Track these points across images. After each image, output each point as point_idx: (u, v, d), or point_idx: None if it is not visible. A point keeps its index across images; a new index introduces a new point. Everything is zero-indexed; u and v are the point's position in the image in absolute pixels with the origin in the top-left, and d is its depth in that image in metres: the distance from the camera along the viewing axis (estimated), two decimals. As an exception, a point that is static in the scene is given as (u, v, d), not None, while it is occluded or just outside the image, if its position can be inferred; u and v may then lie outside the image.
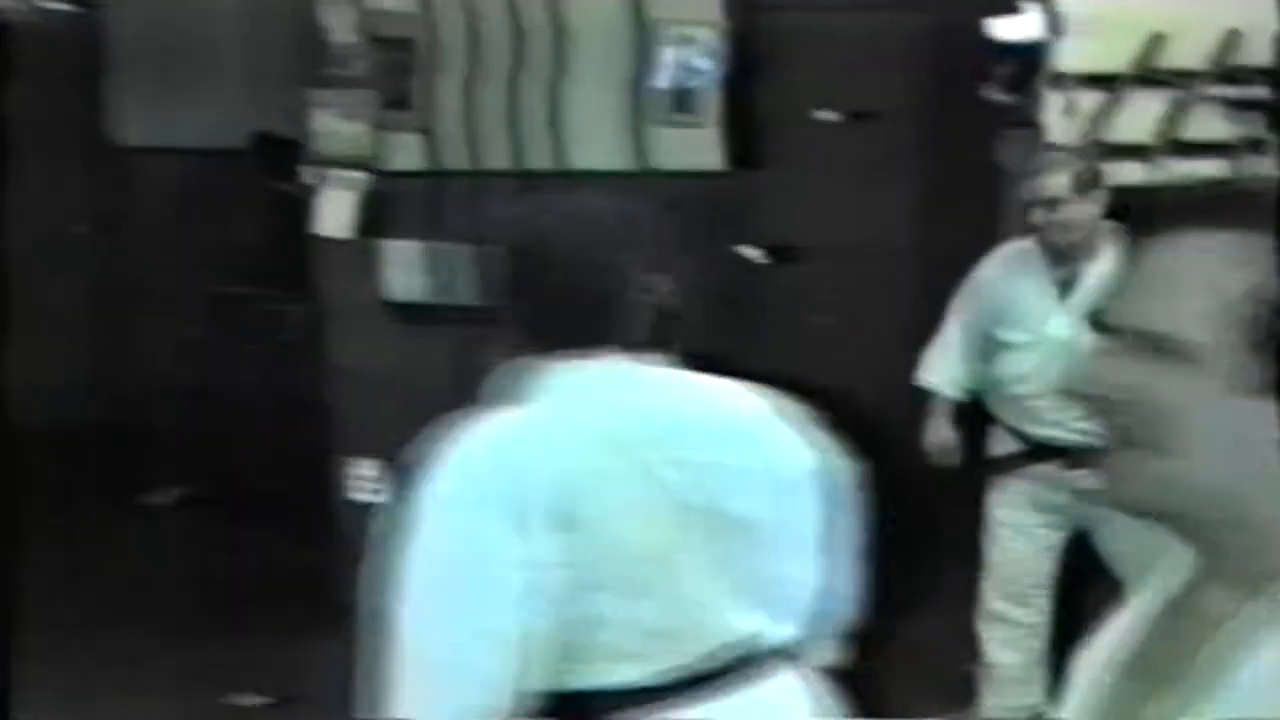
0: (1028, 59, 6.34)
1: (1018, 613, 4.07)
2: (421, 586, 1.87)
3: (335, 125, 4.93)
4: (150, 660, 4.68)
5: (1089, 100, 5.93)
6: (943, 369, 4.23)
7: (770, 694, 1.94)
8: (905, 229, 7.08)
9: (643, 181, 6.95)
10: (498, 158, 6.72)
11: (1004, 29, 6.43)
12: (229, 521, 6.20)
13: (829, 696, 2.01)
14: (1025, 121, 6.79)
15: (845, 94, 6.99)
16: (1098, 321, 4.30)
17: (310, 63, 5.30)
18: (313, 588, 5.25)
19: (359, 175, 4.93)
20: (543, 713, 1.91)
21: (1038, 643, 4.07)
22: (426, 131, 6.54)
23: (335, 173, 4.91)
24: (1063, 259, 4.06)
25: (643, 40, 6.77)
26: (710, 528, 1.94)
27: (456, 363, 6.66)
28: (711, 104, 6.91)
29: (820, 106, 6.97)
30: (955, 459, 4.21)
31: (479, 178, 6.76)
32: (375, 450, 5.39)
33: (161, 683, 4.56)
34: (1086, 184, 4.04)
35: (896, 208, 7.10)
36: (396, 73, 5.61)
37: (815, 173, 6.91)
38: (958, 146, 6.90)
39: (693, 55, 6.83)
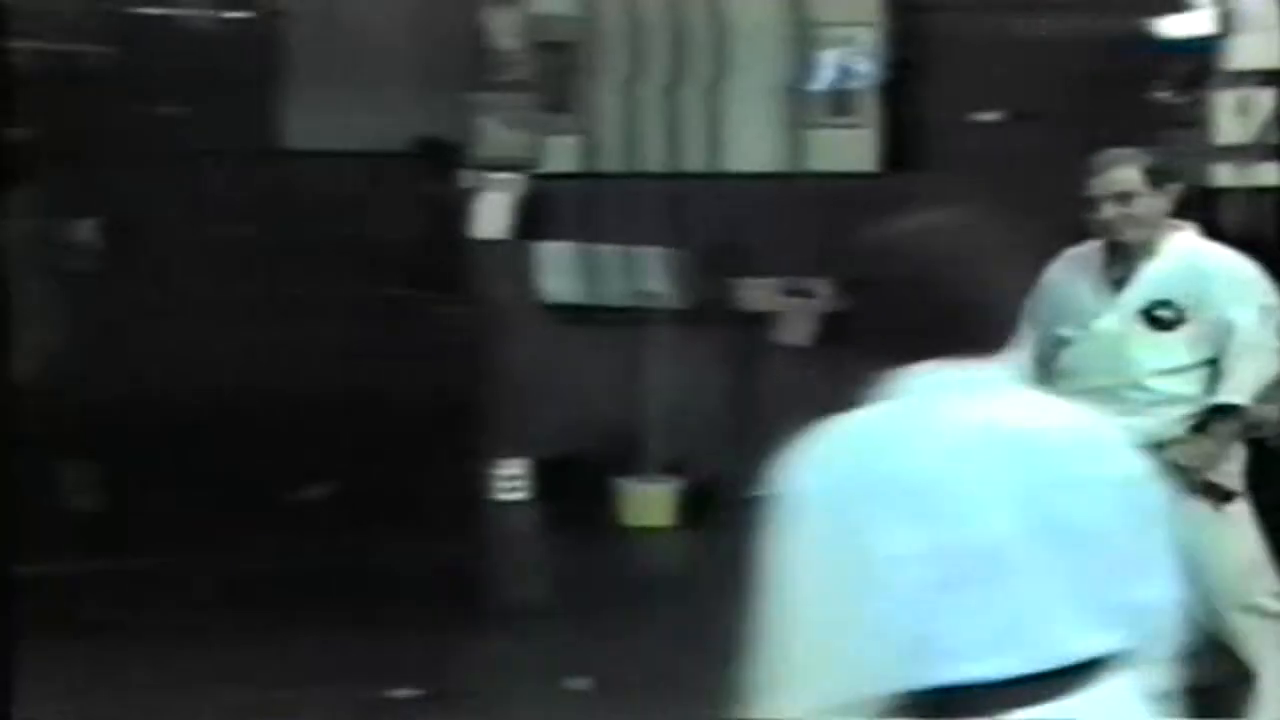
0: (1198, 57, 6.19)
1: None
2: (793, 580, 1.96)
3: (497, 129, 4.98)
4: (305, 653, 4.77)
5: (1265, 98, 5.78)
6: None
7: (1109, 698, 1.98)
8: (1067, 231, 6.93)
9: (797, 183, 6.97)
10: (654, 160, 6.78)
11: (1173, 27, 6.29)
12: (379, 518, 6.29)
13: (1163, 705, 2.04)
14: (1189, 121, 6.66)
15: (1005, 95, 6.89)
16: (1153, 317, 4.09)
17: (473, 68, 5.36)
18: (461, 585, 5.33)
19: (518, 178, 4.97)
20: (894, 710, 1.97)
21: None
22: (585, 134, 6.61)
23: (495, 176, 4.95)
24: (1122, 256, 3.90)
25: (801, 42, 6.78)
26: (1054, 532, 1.99)
27: (610, 364, 6.74)
28: (869, 105, 6.89)
29: (980, 108, 6.88)
30: None
31: (636, 180, 6.82)
32: (524, 450, 5.45)
33: (317, 675, 4.64)
34: (1160, 179, 3.90)
35: (1057, 210, 6.95)
36: (557, 77, 5.66)
37: (973, 174, 6.80)
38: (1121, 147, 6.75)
39: (851, 57, 6.81)
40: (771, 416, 6.90)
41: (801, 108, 6.78)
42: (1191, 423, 3.80)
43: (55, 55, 5.30)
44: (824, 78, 6.78)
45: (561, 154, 6.19)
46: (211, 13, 5.78)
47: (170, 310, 6.89)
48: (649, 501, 6.42)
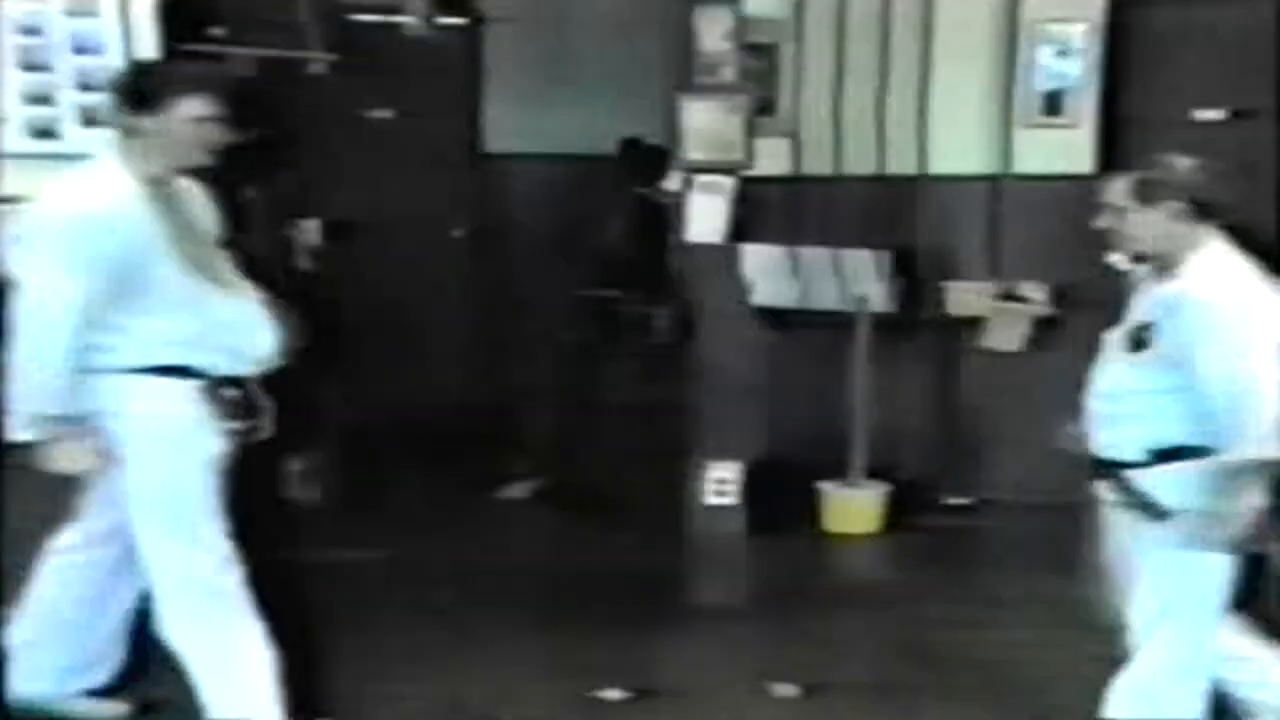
0: None
1: None
2: None
3: (706, 131, 4.98)
4: (513, 651, 4.83)
5: None
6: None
7: None
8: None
9: (1009, 184, 6.84)
10: (862, 162, 6.71)
11: None
12: (587, 517, 6.36)
13: None
14: None
15: (1226, 91, 6.66)
16: (1133, 337, 3.80)
17: (681, 70, 5.37)
18: (666, 586, 5.35)
19: (728, 180, 4.96)
20: None
21: None
22: (792, 136, 6.57)
23: (704, 178, 4.95)
24: (1161, 269, 3.68)
25: (1014, 40, 6.64)
26: None
27: (817, 369, 6.68)
28: (1083, 105, 6.73)
29: (1199, 105, 6.66)
30: None
31: (843, 182, 6.77)
32: (733, 454, 5.44)
33: (524, 673, 4.69)
34: (1150, 195, 3.63)
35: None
36: (763, 78, 5.64)
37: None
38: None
39: (1065, 56, 6.65)
40: (980, 423, 6.83)
41: (1014, 107, 6.66)
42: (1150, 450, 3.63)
43: (279, 61, 5.44)
44: (1037, 77, 6.64)
45: (770, 157, 6.17)
46: (423, 19, 5.89)
47: (385, 309, 7.06)
48: (853, 507, 6.37)
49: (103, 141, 3.92)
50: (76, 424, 3.80)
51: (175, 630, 3.89)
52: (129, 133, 3.82)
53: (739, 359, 5.64)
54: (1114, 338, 3.82)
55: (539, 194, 7.92)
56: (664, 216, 7.14)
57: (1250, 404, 3.53)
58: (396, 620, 4.99)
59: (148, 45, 4.86)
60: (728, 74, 4.93)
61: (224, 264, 3.99)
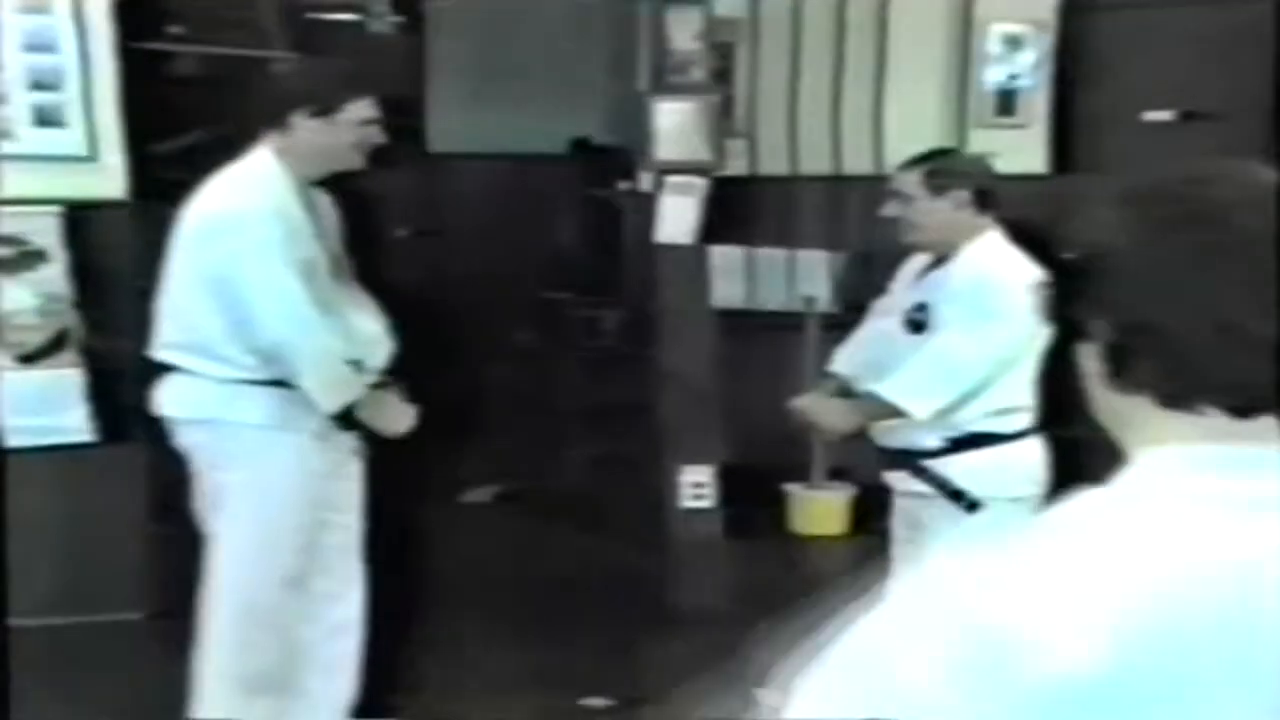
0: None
1: None
2: None
3: (676, 131, 4.94)
4: (493, 661, 4.76)
5: None
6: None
7: None
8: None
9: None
10: (818, 161, 6.70)
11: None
12: (555, 522, 6.29)
13: None
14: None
15: (1177, 94, 6.73)
16: (910, 320, 3.90)
17: (651, 69, 5.32)
18: (647, 590, 5.29)
19: (699, 181, 4.93)
20: None
21: None
22: (748, 137, 6.55)
23: (675, 179, 4.91)
24: (940, 257, 3.78)
25: (967, 40, 6.66)
26: None
27: (775, 370, 6.65)
28: (1036, 106, 6.76)
29: (1151, 107, 6.72)
30: None
31: (797, 183, 6.75)
32: (705, 457, 5.40)
33: (505, 683, 4.62)
34: (940, 184, 3.72)
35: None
36: (724, 78, 5.60)
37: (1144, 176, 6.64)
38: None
39: (1019, 56, 6.68)
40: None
41: (968, 108, 6.68)
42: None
43: (237, 59, 5.32)
44: (991, 77, 6.67)
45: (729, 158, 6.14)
46: (384, 16, 5.80)
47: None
48: (820, 508, 6.35)
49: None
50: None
51: None
52: (288, 132, 3.68)
53: (703, 361, 5.59)
54: (883, 320, 3.86)
55: (484, 194, 7.81)
56: (617, 217, 7.09)
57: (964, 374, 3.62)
58: (369, 629, 4.90)
59: (102, 43, 4.73)
60: (697, 74, 4.89)
61: (348, 274, 3.90)
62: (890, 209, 3.80)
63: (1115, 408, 1.37)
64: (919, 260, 3.91)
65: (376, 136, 3.77)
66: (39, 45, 4.73)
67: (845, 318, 6.66)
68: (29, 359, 4.74)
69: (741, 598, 5.17)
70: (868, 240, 6.90)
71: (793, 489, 6.36)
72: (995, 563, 1.31)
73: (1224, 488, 1.28)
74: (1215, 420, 1.30)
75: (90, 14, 4.68)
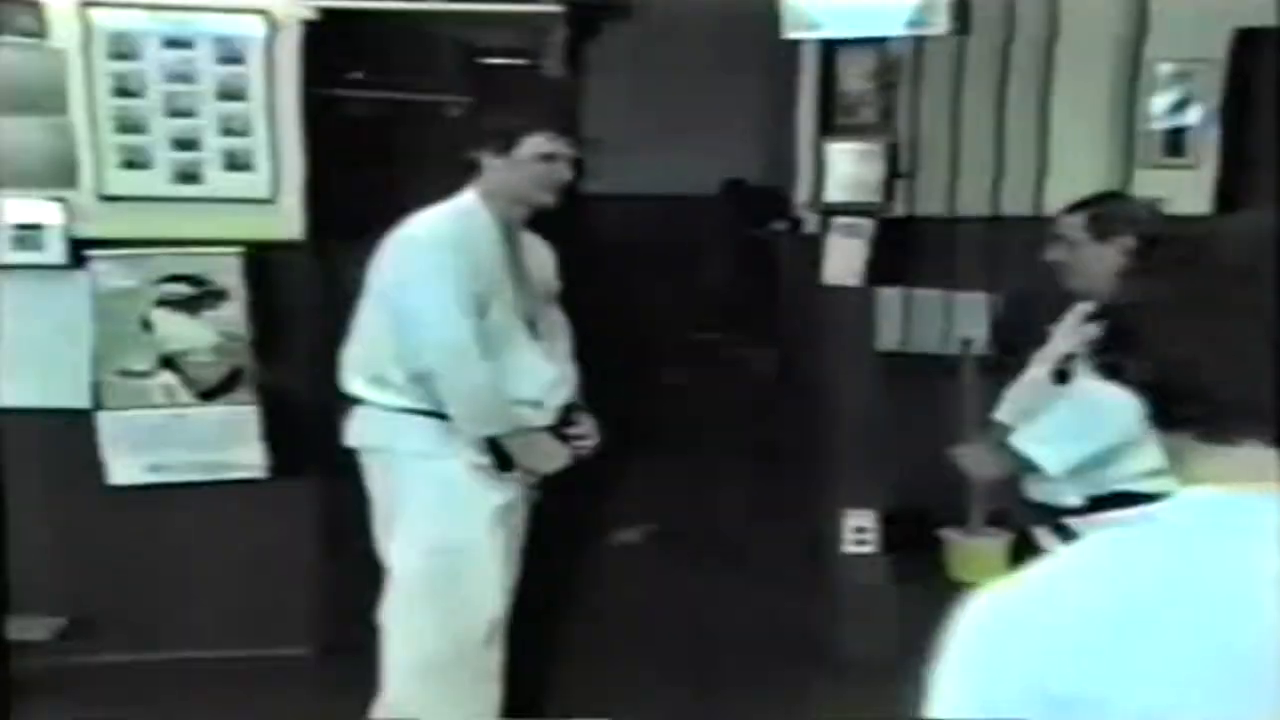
0: None
1: None
2: None
3: (846, 172, 4.91)
4: (658, 709, 4.73)
5: None
6: (1007, 405, 3.93)
7: None
8: None
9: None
10: (978, 203, 6.61)
11: None
12: (706, 564, 6.26)
13: None
14: None
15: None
16: (1059, 372, 3.72)
17: (821, 111, 5.29)
18: (811, 639, 5.23)
19: (867, 222, 4.89)
20: None
21: None
22: (910, 178, 6.49)
23: (843, 220, 4.88)
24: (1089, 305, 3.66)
25: (1134, 79, 6.55)
26: None
27: (939, 414, 6.57)
28: (1206, 144, 6.63)
29: (1324, 147, 6.55)
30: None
31: (958, 224, 6.68)
32: (867, 501, 5.33)
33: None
34: (1105, 229, 3.54)
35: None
36: (886, 119, 5.54)
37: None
38: None
39: (1188, 94, 6.55)
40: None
41: (1134, 147, 6.56)
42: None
43: (415, 104, 5.41)
44: (1159, 116, 6.54)
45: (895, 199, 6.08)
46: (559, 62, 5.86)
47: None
48: (978, 555, 6.24)
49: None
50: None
51: None
52: (482, 173, 3.77)
53: (866, 403, 5.52)
54: (1038, 368, 3.72)
55: (638, 234, 7.85)
56: (772, 257, 7.08)
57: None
58: (521, 673, 4.90)
59: (289, 90, 4.82)
60: (868, 114, 4.85)
61: (555, 320, 3.95)
62: (1053, 253, 3.71)
63: (1165, 448, 1.50)
64: (1083, 308, 3.81)
65: (563, 173, 3.81)
66: (231, 94, 4.85)
67: (1003, 360, 6.64)
68: (207, 395, 4.83)
69: (905, 645, 5.10)
70: (1026, 283, 6.85)
71: (950, 535, 6.26)
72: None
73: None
74: (1255, 453, 1.35)
75: (280, 62, 4.78)
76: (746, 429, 6.66)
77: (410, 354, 3.66)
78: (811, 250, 6.61)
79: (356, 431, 3.87)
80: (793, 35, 4.77)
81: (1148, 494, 3.53)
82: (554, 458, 3.89)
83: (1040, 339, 6.81)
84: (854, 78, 4.81)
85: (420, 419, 3.72)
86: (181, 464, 4.81)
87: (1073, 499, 3.59)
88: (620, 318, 7.03)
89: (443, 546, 3.79)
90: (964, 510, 6.40)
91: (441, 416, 3.71)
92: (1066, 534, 3.60)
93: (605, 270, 7.57)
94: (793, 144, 7.02)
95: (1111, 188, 6.68)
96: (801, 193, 7.01)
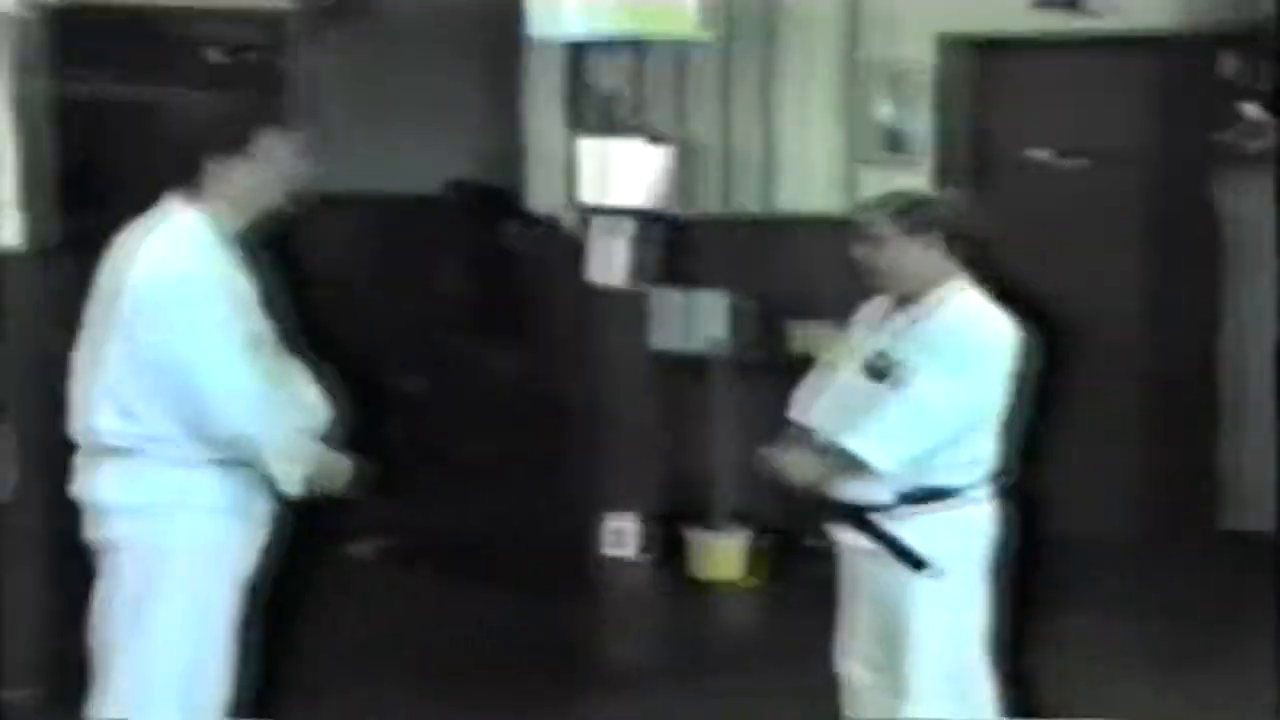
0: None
1: None
2: None
3: (594, 170, 4.81)
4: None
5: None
6: (803, 405, 3.97)
7: None
8: (1122, 274, 6.88)
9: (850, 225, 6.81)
10: (710, 201, 6.62)
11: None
12: (444, 577, 6.12)
13: None
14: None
15: (1053, 132, 6.85)
16: (871, 366, 3.66)
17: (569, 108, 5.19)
18: (564, 647, 5.15)
19: (628, 222, 4.81)
20: None
21: None
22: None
23: (603, 220, 4.79)
24: (902, 304, 3.69)
25: (855, 79, 6.67)
26: None
27: (676, 414, 6.54)
28: (923, 143, 6.80)
29: (1031, 144, 6.84)
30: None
31: (694, 222, 6.67)
32: (626, 504, 5.28)
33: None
34: (913, 226, 3.61)
35: (1114, 251, 6.90)
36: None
37: (1032, 213, 6.73)
38: (1180, 187, 6.75)
39: (905, 94, 6.71)
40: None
41: (856, 145, 6.70)
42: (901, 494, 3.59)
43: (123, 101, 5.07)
44: (878, 115, 6.70)
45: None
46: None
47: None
48: (720, 554, 6.28)
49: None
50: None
51: None
52: (204, 179, 3.42)
53: (620, 406, 5.47)
54: (843, 366, 3.75)
55: (358, 236, 7.59)
56: (512, 259, 6.96)
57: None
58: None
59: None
60: (624, 113, 4.77)
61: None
62: (859, 251, 3.69)
63: None
64: (878, 305, 3.81)
65: (293, 173, 3.52)
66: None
67: (749, 358, 6.67)
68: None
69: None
70: (763, 282, 6.91)
71: (694, 534, 6.28)
72: None
73: None
74: None
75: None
76: (492, 435, 6.51)
77: (206, 422, 3.31)
78: (555, 250, 6.54)
79: (116, 487, 3.45)
80: (537, 34, 4.64)
81: (955, 489, 3.59)
82: (343, 473, 3.63)
83: (775, 336, 6.92)
84: (609, 75, 4.72)
85: (213, 473, 3.39)
86: None
87: (883, 496, 3.60)
88: (353, 324, 6.79)
89: (217, 597, 3.48)
90: (704, 508, 6.43)
91: (233, 465, 3.39)
92: (875, 532, 3.61)
93: (332, 273, 7.31)
94: (521, 142, 6.94)
95: (836, 186, 6.87)
96: (535, 193, 6.94)
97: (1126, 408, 6.70)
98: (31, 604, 4.73)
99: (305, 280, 7.33)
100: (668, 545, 6.08)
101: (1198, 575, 6.14)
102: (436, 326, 6.87)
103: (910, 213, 3.66)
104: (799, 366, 6.49)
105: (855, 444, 3.53)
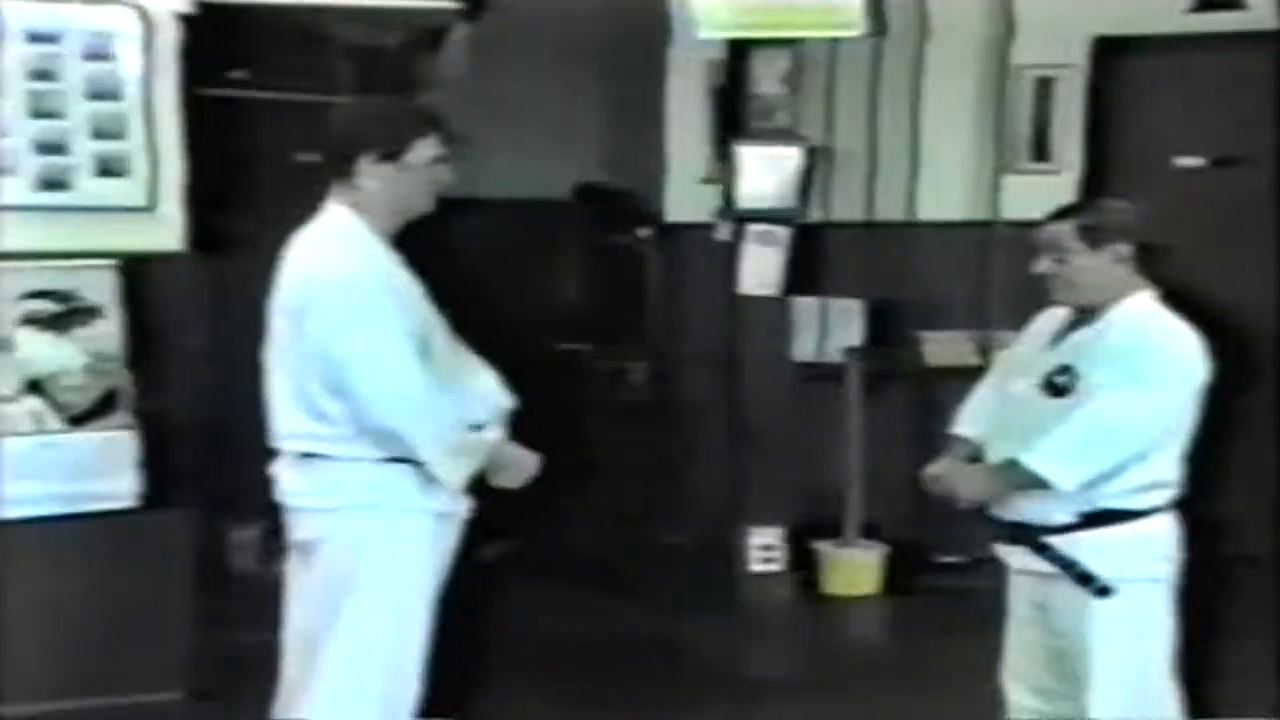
0: None
1: None
2: None
3: (753, 177, 4.72)
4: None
5: None
6: (970, 420, 3.79)
7: None
8: (1264, 280, 6.69)
9: (992, 230, 6.71)
10: (852, 209, 6.52)
11: None
12: (575, 583, 6.07)
13: None
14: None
15: (1206, 138, 6.67)
16: (1051, 383, 3.49)
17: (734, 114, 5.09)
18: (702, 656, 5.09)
19: (783, 230, 4.71)
20: None
21: None
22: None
23: (758, 228, 4.70)
24: (1081, 318, 3.56)
25: (1002, 86, 6.54)
26: None
27: (805, 425, 6.42)
28: (1069, 150, 6.66)
29: (1183, 152, 6.66)
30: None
31: (827, 229, 6.57)
32: (771, 518, 5.19)
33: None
34: (1098, 238, 3.49)
35: (1255, 257, 6.71)
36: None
37: (1177, 220, 6.56)
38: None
39: (1051, 100, 6.57)
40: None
41: (1001, 153, 6.57)
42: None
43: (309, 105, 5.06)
44: (1024, 122, 6.57)
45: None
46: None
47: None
48: (850, 568, 6.16)
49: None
50: None
51: None
52: (357, 182, 3.38)
53: (764, 416, 5.37)
54: (1015, 380, 3.62)
55: (491, 240, 7.55)
56: (638, 265, 6.88)
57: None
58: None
59: (167, 89, 4.44)
60: (782, 119, 4.67)
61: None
62: (1043, 265, 3.58)
63: None
64: (1052, 317, 3.70)
65: (445, 176, 3.49)
66: (102, 92, 4.44)
67: (882, 368, 6.55)
68: (78, 420, 4.42)
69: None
70: (897, 290, 6.80)
71: (824, 548, 6.17)
72: None
73: None
74: None
75: (156, 59, 4.38)
76: (611, 443, 6.44)
77: (362, 415, 3.28)
78: (674, 256, 6.47)
79: (309, 490, 3.45)
80: (704, 35, 4.57)
81: (1137, 510, 3.47)
82: (526, 467, 3.59)
83: (911, 346, 6.80)
84: (769, 80, 4.63)
85: (387, 469, 3.37)
86: (46, 495, 4.38)
87: (1061, 516, 3.48)
88: (482, 328, 6.76)
89: (404, 606, 3.45)
90: (835, 522, 6.32)
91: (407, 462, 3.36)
92: (1052, 555, 3.50)
93: (461, 278, 7.27)
94: (661, 148, 6.87)
95: (980, 193, 6.74)
96: (671, 198, 6.87)
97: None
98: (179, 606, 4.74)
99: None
100: (797, 559, 5.99)
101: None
102: (566, 332, 6.81)
103: (1096, 223, 3.55)
104: (930, 378, 6.61)
105: (1036, 462, 3.42)
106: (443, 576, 3.55)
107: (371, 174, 3.37)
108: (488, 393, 3.56)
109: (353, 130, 3.48)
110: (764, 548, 4.90)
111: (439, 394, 3.36)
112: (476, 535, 6.38)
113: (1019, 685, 3.68)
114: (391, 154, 3.37)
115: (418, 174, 3.40)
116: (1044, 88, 6.55)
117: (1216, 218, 6.58)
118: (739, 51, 4.76)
